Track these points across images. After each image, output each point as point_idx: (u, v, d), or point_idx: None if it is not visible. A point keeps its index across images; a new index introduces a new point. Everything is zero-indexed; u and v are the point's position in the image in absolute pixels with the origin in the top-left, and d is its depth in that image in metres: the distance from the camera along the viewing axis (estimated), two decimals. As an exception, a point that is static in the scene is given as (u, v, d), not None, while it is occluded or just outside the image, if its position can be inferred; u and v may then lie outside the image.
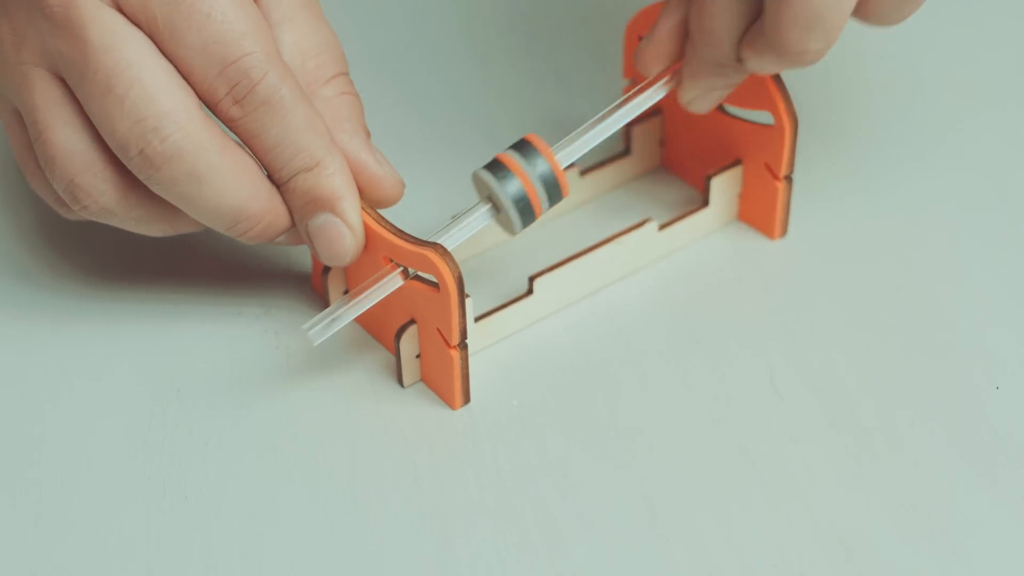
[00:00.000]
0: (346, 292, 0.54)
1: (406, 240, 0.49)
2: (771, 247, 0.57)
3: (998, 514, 0.48)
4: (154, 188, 0.48)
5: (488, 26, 0.69)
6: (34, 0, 0.48)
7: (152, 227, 0.51)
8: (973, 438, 0.50)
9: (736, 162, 0.57)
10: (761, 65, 0.50)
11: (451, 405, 0.51)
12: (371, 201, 0.51)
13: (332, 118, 0.51)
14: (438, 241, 0.49)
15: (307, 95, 0.49)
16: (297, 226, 0.50)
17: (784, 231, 0.57)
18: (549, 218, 0.58)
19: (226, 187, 0.48)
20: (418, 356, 0.51)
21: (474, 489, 0.48)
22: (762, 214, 0.57)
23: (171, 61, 0.48)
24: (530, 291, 0.53)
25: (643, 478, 0.49)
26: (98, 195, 0.49)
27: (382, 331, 0.53)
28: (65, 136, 0.49)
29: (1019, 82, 0.65)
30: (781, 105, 0.54)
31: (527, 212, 0.49)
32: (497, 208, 0.50)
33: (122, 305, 0.55)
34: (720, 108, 0.57)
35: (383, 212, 0.51)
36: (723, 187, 0.57)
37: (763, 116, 0.55)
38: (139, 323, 0.54)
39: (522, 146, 0.50)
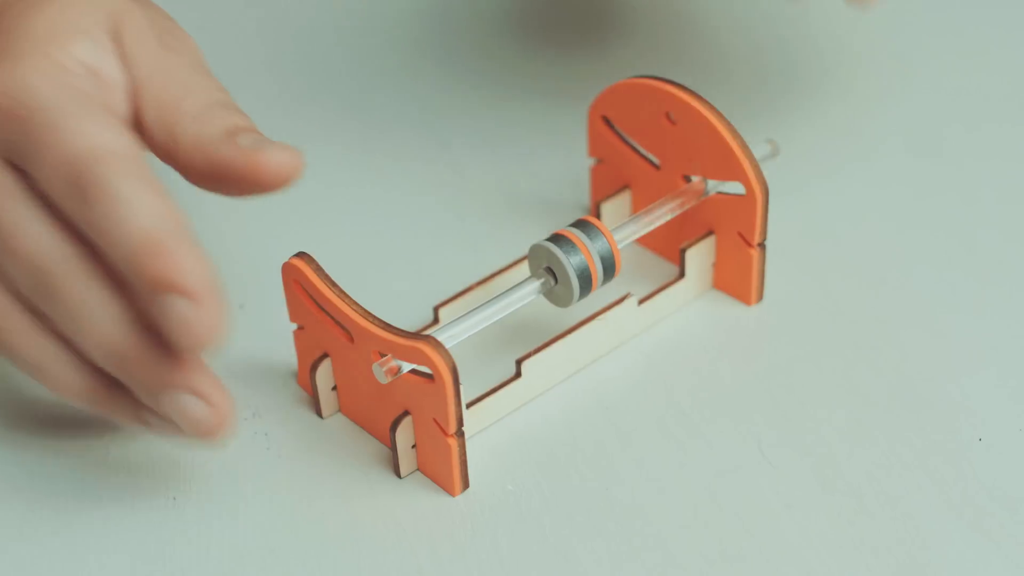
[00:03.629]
0: (334, 388, 0.54)
1: (397, 335, 0.49)
2: (748, 313, 0.58)
3: (995, 566, 0.48)
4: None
5: (450, 108, 0.70)
6: None
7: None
8: (963, 492, 0.51)
9: (708, 233, 0.58)
10: None
11: (451, 492, 0.51)
12: (255, 189, 0.49)
13: (196, 133, 0.49)
14: (491, 319, 0.52)
15: (156, 185, 0.47)
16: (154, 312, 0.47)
17: (760, 297, 0.58)
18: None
19: (107, 319, 0.48)
20: (413, 446, 0.52)
21: (479, 579, 0.49)
22: (738, 282, 0.58)
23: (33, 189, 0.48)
24: (518, 374, 0.54)
25: (645, 557, 0.49)
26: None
27: (374, 424, 0.53)
28: None
29: (981, 137, 0.67)
30: (751, 174, 0.55)
31: (586, 284, 0.53)
32: (555, 279, 0.53)
33: (109, 422, 0.55)
34: (687, 179, 0.58)
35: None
36: (698, 258, 0.58)
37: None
38: (130, 433, 0.54)
39: (582, 224, 0.53)
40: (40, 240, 0.48)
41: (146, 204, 0.46)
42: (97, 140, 0.47)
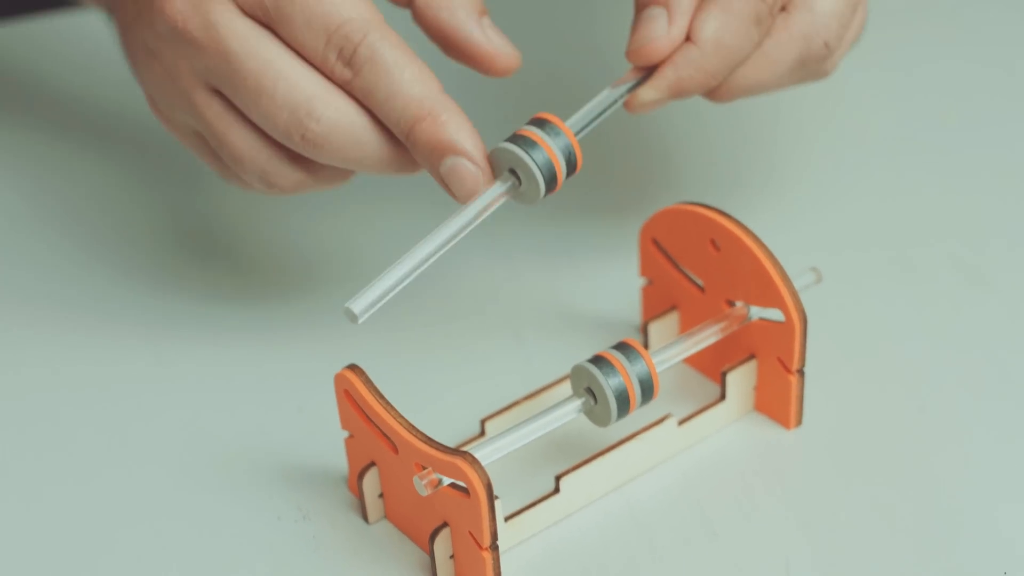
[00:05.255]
0: (380, 495, 0.56)
1: (437, 449, 0.51)
2: (787, 437, 0.60)
3: None
4: (322, 160, 0.55)
5: (509, 221, 0.72)
6: (177, 32, 0.54)
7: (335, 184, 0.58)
8: (987, 625, 0.52)
9: (750, 357, 0.59)
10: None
11: (484, 603, 0.53)
12: (483, 72, 0.57)
13: (447, 6, 0.56)
14: (531, 437, 0.54)
15: (409, 50, 0.54)
16: (430, 173, 0.55)
17: (799, 421, 0.60)
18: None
19: (382, 142, 0.54)
20: (451, 556, 0.54)
21: None
22: (777, 405, 0.60)
23: (289, 45, 0.54)
24: (557, 490, 0.56)
25: (669, 673, 0.51)
26: (285, 179, 0.57)
27: (416, 532, 0.55)
28: (241, 138, 0.56)
29: (1019, 263, 0.68)
30: (789, 303, 0.57)
31: (624, 407, 0.55)
32: (595, 399, 0.55)
33: (166, 518, 0.57)
34: (731, 303, 0.60)
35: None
36: (739, 381, 0.59)
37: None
38: (183, 530, 0.57)
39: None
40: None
41: (412, 72, 0.53)
42: (352, 6, 0.53)
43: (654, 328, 0.63)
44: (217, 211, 0.73)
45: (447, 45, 0.57)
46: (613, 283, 0.68)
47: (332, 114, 0.54)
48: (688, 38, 0.56)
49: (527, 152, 0.54)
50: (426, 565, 0.55)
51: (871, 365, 0.63)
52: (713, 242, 0.59)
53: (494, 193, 0.55)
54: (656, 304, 0.63)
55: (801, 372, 0.58)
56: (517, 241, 0.71)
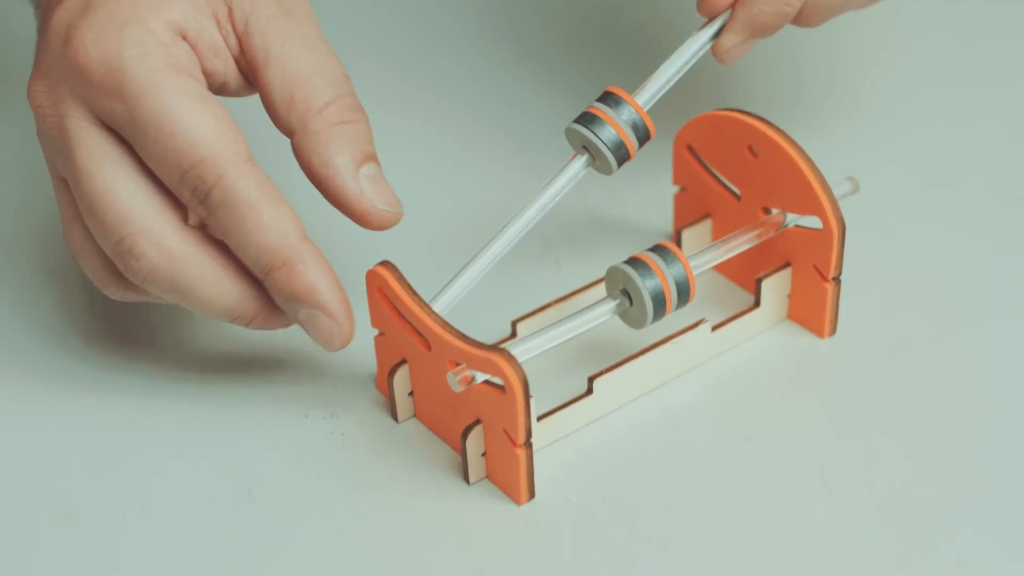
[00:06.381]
0: (410, 394, 0.56)
1: (472, 345, 0.51)
2: (820, 345, 0.59)
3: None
4: (153, 292, 0.52)
5: (541, 131, 0.71)
6: (38, 119, 0.52)
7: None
8: (1020, 536, 0.51)
9: (785, 264, 0.59)
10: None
11: (517, 501, 0.53)
12: (361, 225, 0.53)
13: (321, 153, 0.51)
14: (565, 336, 0.54)
15: (272, 191, 0.50)
16: (290, 316, 0.53)
17: (833, 330, 0.59)
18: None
19: (209, 295, 0.51)
20: (483, 454, 0.53)
21: (539, 585, 0.50)
22: (812, 314, 0.59)
23: (147, 166, 0.51)
24: (589, 391, 0.55)
25: (703, 573, 0.50)
26: (110, 290, 0.54)
27: (447, 430, 0.55)
28: (79, 237, 0.53)
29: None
30: (828, 210, 0.56)
31: (660, 308, 0.54)
32: (631, 301, 0.54)
33: (193, 410, 0.57)
34: (767, 211, 0.59)
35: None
36: (773, 289, 0.59)
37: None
38: (210, 427, 0.56)
39: (660, 250, 0.55)
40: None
41: (268, 218, 0.50)
42: (210, 144, 0.50)
43: (687, 235, 0.62)
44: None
45: (322, 192, 0.52)
46: (644, 191, 0.67)
47: (154, 255, 0.50)
48: None
49: (595, 134, 0.55)
50: (456, 464, 0.54)
51: (906, 278, 0.62)
52: (751, 148, 0.58)
53: (574, 169, 0.56)
54: (689, 212, 0.63)
55: (837, 280, 0.58)
56: (544, 149, 0.70)
